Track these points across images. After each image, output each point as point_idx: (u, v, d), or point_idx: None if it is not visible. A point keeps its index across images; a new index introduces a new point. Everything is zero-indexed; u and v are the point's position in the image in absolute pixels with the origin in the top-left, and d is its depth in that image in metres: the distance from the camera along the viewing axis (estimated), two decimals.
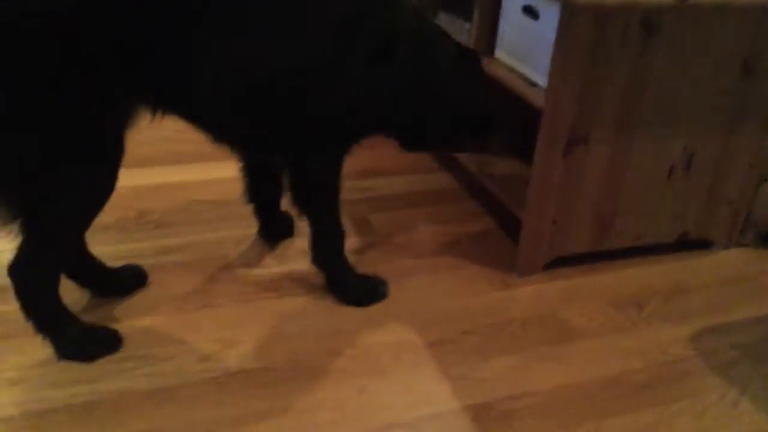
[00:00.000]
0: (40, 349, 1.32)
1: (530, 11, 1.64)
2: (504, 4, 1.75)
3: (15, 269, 1.26)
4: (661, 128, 1.60)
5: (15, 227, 1.22)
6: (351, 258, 1.59)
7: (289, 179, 1.46)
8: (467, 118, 1.61)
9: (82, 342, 1.33)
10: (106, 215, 1.32)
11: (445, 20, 2.08)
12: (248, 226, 1.74)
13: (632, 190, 1.66)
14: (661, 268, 1.75)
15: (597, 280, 1.69)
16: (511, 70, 1.73)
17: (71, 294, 1.44)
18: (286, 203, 1.55)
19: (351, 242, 1.74)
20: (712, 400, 1.35)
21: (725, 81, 1.60)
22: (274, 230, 1.74)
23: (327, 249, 1.54)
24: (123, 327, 1.40)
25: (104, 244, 1.60)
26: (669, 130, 1.61)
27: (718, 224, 1.80)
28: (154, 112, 1.31)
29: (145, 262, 1.58)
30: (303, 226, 1.74)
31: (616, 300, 1.62)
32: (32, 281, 1.28)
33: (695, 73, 1.56)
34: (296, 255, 1.68)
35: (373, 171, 2.12)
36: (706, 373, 1.41)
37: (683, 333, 1.53)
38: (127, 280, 1.53)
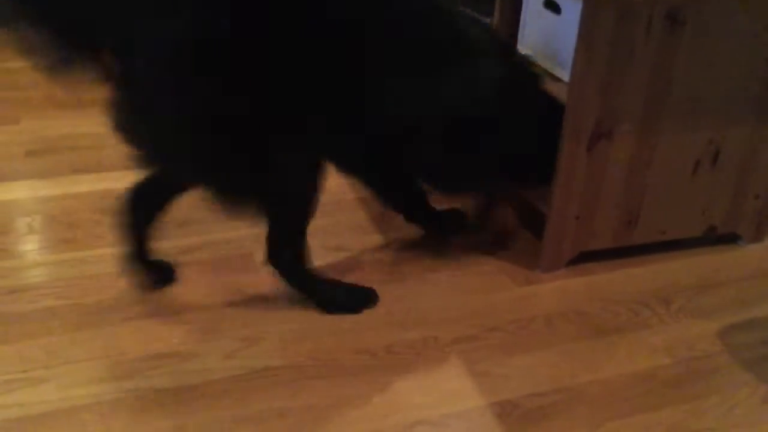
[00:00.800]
0: (66, 347, 1.34)
1: (552, 5, 1.63)
2: None
3: (273, 259, 1.43)
4: (686, 122, 1.58)
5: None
6: (373, 256, 1.58)
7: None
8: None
9: (349, 298, 1.50)
10: None
11: None
12: None
13: (657, 185, 1.64)
14: (688, 263, 1.73)
15: (622, 276, 1.67)
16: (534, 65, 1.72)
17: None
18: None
19: (373, 239, 1.74)
20: (741, 396, 1.33)
21: (751, 74, 1.57)
22: (446, 225, 1.78)
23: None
24: (145, 326, 1.41)
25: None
26: (694, 124, 1.59)
27: (745, 218, 1.77)
28: None
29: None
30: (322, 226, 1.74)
31: (642, 296, 1.60)
32: (292, 262, 1.45)
33: (721, 66, 1.54)
34: (317, 251, 1.68)
35: None
36: (735, 369, 1.39)
37: (712, 328, 1.50)
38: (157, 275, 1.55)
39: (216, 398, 1.26)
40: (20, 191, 1.92)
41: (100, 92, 2.62)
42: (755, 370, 1.39)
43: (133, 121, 1.22)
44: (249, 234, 1.74)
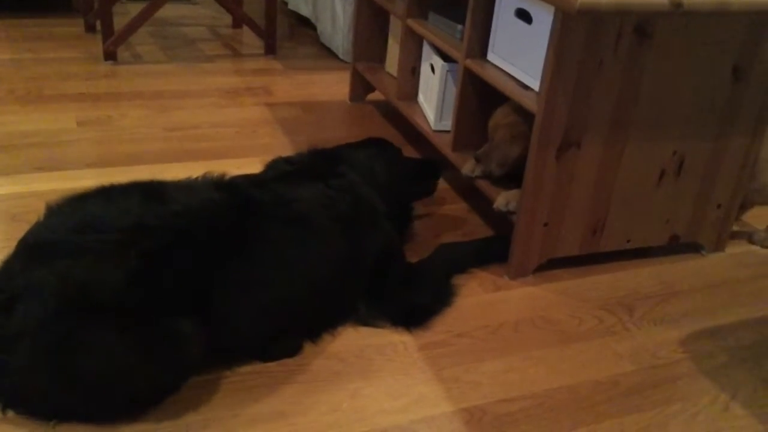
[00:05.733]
0: None
1: (523, 15, 1.64)
2: (497, 7, 1.74)
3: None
4: (652, 132, 1.61)
5: None
6: None
7: None
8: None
9: None
10: None
11: (437, 22, 2.08)
12: None
13: (623, 194, 1.67)
14: (652, 271, 1.76)
15: (588, 283, 1.69)
16: (504, 73, 1.73)
17: None
18: None
19: None
20: (703, 403, 1.36)
21: (716, 86, 1.61)
22: None
23: None
24: None
25: None
26: (660, 134, 1.62)
27: (707, 228, 1.81)
28: None
29: None
30: None
31: (607, 303, 1.62)
32: None
33: (687, 78, 1.58)
34: None
35: None
36: (697, 377, 1.42)
37: (674, 336, 1.53)
38: None
39: (183, 404, 1.23)
40: None
41: (63, 88, 2.55)
42: (716, 378, 1.42)
43: None
44: None
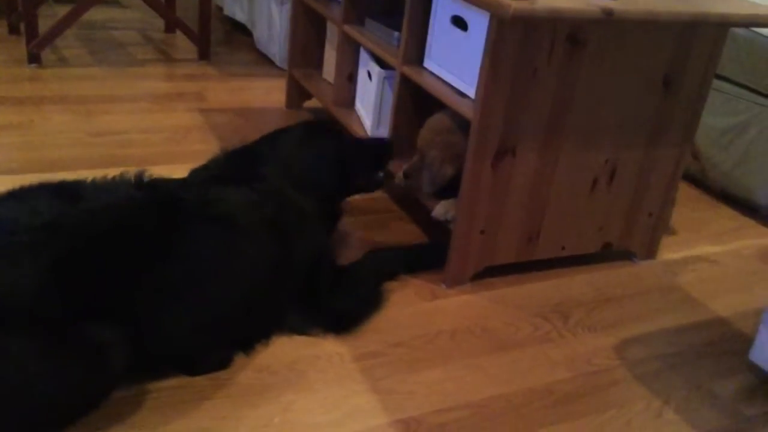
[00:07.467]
0: None
1: (459, 22, 1.63)
2: (433, 14, 1.74)
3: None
4: (585, 140, 1.63)
5: None
6: None
7: None
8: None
9: None
10: None
11: (374, 29, 2.06)
12: None
13: (557, 201, 1.68)
14: (586, 278, 1.77)
15: (524, 290, 1.69)
16: (440, 80, 1.72)
17: None
18: None
19: None
20: (637, 409, 1.36)
21: (647, 95, 1.64)
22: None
23: None
24: None
25: None
26: (593, 143, 1.64)
27: (639, 235, 1.84)
28: None
29: None
30: None
31: (542, 310, 1.62)
32: None
33: (618, 87, 1.60)
34: None
35: None
36: (631, 383, 1.43)
37: (608, 343, 1.54)
38: None
39: (103, 420, 1.17)
40: None
41: None
42: (649, 383, 1.43)
43: None
44: None
